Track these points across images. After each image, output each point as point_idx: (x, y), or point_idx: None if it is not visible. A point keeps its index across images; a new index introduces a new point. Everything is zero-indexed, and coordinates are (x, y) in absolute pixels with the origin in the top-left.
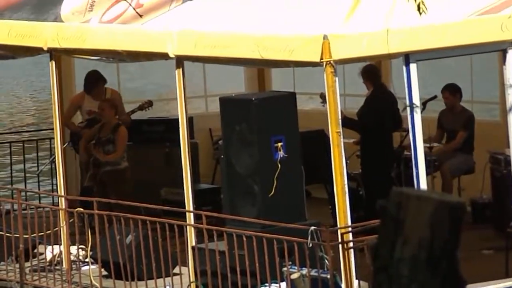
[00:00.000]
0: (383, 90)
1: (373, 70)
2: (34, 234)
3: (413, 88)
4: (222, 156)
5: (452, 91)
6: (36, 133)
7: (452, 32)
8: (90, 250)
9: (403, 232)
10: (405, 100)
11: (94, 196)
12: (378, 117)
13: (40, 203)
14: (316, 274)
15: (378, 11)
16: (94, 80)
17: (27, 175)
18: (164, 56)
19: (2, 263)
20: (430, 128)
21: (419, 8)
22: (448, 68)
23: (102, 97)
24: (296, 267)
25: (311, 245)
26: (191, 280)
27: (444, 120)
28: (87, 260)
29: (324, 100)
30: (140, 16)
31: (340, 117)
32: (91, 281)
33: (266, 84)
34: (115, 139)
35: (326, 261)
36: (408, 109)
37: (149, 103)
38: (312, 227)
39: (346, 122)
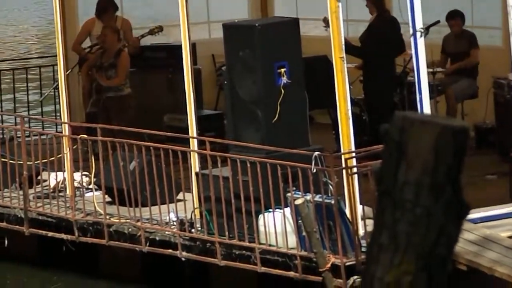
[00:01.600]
0: (386, 15)
1: None
2: (38, 161)
3: (416, 13)
4: (225, 82)
5: (462, 16)
6: (39, 60)
7: None
8: (94, 177)
9: (407, 157)
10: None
11: (97, 123)
12: (381, 42)
13: (43, 130)
14: (320, 199)
15: None
16: (105, 4)
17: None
18: None
19: (6, 190)
20: (433, 53)
21: None
22: None
23: (112, 23)
24: (300, 193)
25: (315, 170)
26: (195, 206)
27: (448, 43)
28: (90, 186)
29: (327, 24)
30: None
31: (343, 43)
32: (95, 207)
33: (269, 10)
34: (117, 64)
35: (330, 186)
36: (411, 33)
37: (160, 28)
38: (316, 153)
39: (349, 48)
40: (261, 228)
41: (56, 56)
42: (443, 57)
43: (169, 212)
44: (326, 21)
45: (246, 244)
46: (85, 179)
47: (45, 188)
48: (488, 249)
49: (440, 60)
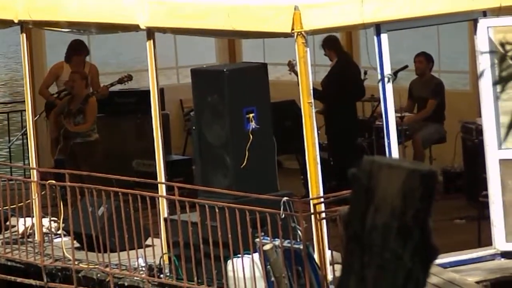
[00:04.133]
0: (347, 59)
1: (335, 40)
2: (6, 207)
3: (384, 58)
4: (194, 128)
5: (427, 57)
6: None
7: (424, 2)
8: (63, 222)
9: (375, 201)
10: (375, 70)
11: (65, 168)
12: (341, 86)
13: (11, 175)
14: (289, 244)
15: None
16: (78, 47)
17: None
18: (135, 27)
19: None
20: (401, 97)
21: None
22: (414, 38)
23: (80, 69)
24: (268, 238)
25: (283, 216)
26: (164, 251)
27: (414, 88)
28: (59, 232)
29: (291, 69)
30: None
31: (311, 88)
32: (63, 253)
33: (237, 55)
34: (85, 110)
35: (299, 231)
36: (379, 78)
37: (129, 77)
38: (285, 198)
39: (314, 93)
40: (230, 274)
41: (23, 102)
42: (410, 102)
43: (137, 258)
44: (290, 65)
45: None
46: (54, 224)
47: (13, 233)
48: None
49: (407, 105)
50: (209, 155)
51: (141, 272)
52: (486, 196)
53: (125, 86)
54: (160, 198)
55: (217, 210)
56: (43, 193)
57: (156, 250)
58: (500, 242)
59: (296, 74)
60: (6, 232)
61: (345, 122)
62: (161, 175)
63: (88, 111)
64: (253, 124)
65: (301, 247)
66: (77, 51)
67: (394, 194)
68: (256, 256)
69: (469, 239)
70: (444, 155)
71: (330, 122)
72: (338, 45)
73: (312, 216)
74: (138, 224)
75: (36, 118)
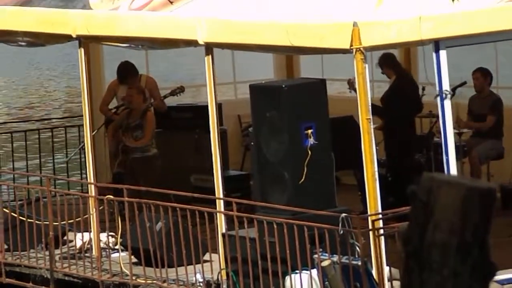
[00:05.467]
0: (406, 75)
1: (392, 57)
2: (64, 222)
3: (443, 74)
4: (252, 143)
5: (484, 72)
6: (65, 120)
7: (481, 19)
8: (120, 237)
9: (434, 218)
10: (433, 86)
11: (123, 183)
12: (402, 102)
13: (69, 190)
14: (347, 261)
15: None
16: (125, 72)
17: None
18: (194, 43)
19: (32, 250)
20: (459, 113)
21: None
22: (473, 54)
23: (137, 83)
24: (326, 254)
25: (341, 232)
26: (222, 267)
27: (472, 104)
28: (117, 247)
29: (351, 87)
30: (171, 2)
31: (369, 104)
32: (121, 268)
33: (295, 70)
34: (143, 124)
35: (357, 248)
36: (438, 95)
37: (181, 89)
38: (343, 214)
39: (372, 108)
40: None
41: (82, 116)
42: (469, 118)
43: (195, 273)
44: (350, 84)
45: None
46: (111, 239)
47: (71, 248)
48: None
49: (466, 121)
50: (267, 171)
51: None
52: None
53: (182, 101)
54: (218, 213)
55: (275, 226)
56: (101, 208)
57: (214, 265)
58: None
59: (356, 92)
60: (63, 247)
61: (404, 138)
62: (219, 191)
63: (146, 126)
64: (311, 140)
65: (359, 263)
66: (126, 77)
67: (453, 211)
68: (314, 272)
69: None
70: (502, 171)
71: (390, 138)
72: (396, 62)
73: (370, 232)
74: (196, 239)
75: (94, 133)
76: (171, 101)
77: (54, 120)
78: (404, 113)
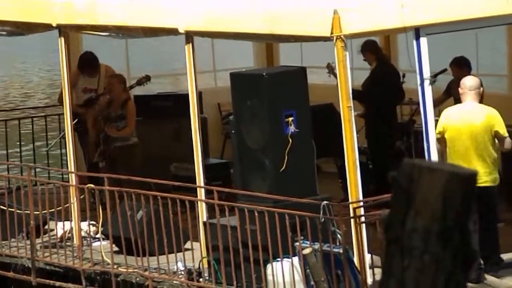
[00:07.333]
0: (387, 62)
1: (374, 43)
2: (45, 211)
3: (423, 61)
4: (233, 131)
5: (459, 63)
6: (44, 109)
7: (462, 6)
8: (101, 226)
9: (415, 204)
10: (413, 73)
11: (102, 172)
12: (384, 89)
13: (49, 179)
14: (328, 248)
15: None
16: (88, 62)
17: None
18: (174, 31)
19: (13, 239)
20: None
21: None
22: (453, 41)
23: (96, 74)
24: (308, 242)
25: (323, 219)
26: (203, 255)
27: (451, 88)
28: (98, 236)
29: (330, 71)
30: None
31: (350, 92)
32: (102, 257)
33: (275, 59)
34: (126, 114)
35: (338, 235)
36: (418, 82)
37: (147, 78)
38: (325, 202)
39: (353, 94)
40: (269, 278)
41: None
42: (443, 97)
43: (176, 262)
44: (329, 67)
45: None
46: (93, 228)
47: (52, 237)
48: None
49: (439, 98)
50: (248, 159)
51: (180, 276)
52: None
53: (163, 90)
54: (199, 202)
55: (256, 214)
56: (82, 197)
57: (195, 254)
58: None
59: (336, 76)
60: (45, 236)
61: (385, 126)
62: (200, 179)
63: (128, 116)
64: (292, 128)
65: (341, 251)
66: (90, 63)
67: (435, 197)
68: (295, 260)
69: (509, 242)
70: None
71: (371, 126)
72: (378, 49)
73: (352, 220)
74: (177, 227)
75: (74, 122)
76: (151, 90)
77: (34, 109)
78: (385, 101)
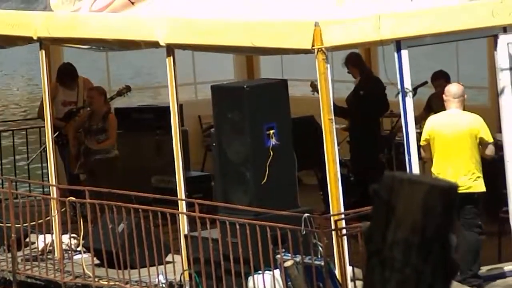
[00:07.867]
0: (371, 76)
1: (358, 57)
2: (26, 224)
3: (404, 74)
4: (214, 144)
5: (436, 78)
6: (25, 122)
7: (443, 18)
8: (82, 239)
9: (395, 216)
10: (395, 86)
11: (82, 185)
12: (367, 103)
13: (30, 192)
14: (309, 261)
15: None
16: (66, 74)
17: (16, 164)
18: (155, 44)
19: None
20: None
21: None
22: (433, 53)
23: (75, 87)
24: (289, 255)
25: (304, 232)
26: (184, 268)
27: (434, 104)
28: (79, 249)
29: (314, 89)
30: (132, 3)
31: (332, 104)
32: (83, 269)
33: (255, 71)
34: (106, 127)
35: (320, 248)
36: (400, 94)
37: (127, 88)
38: (306, 214)
39: (335, 109)
40: None
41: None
42: (424, 113)
43: (158, 274)
44: (313, 86)
45: None
46: (74, 241)
47: (33, 250)
48: None
49: (420, 115)
50: (229, 172)
51: None
52: (507, 212)
53: (143, 102)
54: (180, 214)
55: (237, 227)
56: (63, 209)
57: (177, 266)
58: None
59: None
60: (26, 248)
61: (369, 138)
62: (181, 192)
63: (110, 128)
64: (273, 141)
65: (322, 263)
66: (70, 75)
67: (415, 210)
68: (277, 272)
69: (490, 255)
70: None
71: (355, 139)
72: (361, 62)
73: (333, 233)
74: (158, 240)
75: (55, 135)
76: (131, 102)
77: (14, 122)
78: (370, 114)
